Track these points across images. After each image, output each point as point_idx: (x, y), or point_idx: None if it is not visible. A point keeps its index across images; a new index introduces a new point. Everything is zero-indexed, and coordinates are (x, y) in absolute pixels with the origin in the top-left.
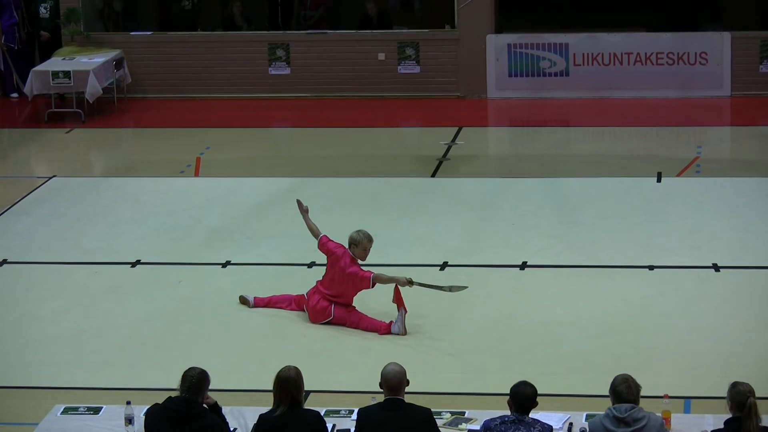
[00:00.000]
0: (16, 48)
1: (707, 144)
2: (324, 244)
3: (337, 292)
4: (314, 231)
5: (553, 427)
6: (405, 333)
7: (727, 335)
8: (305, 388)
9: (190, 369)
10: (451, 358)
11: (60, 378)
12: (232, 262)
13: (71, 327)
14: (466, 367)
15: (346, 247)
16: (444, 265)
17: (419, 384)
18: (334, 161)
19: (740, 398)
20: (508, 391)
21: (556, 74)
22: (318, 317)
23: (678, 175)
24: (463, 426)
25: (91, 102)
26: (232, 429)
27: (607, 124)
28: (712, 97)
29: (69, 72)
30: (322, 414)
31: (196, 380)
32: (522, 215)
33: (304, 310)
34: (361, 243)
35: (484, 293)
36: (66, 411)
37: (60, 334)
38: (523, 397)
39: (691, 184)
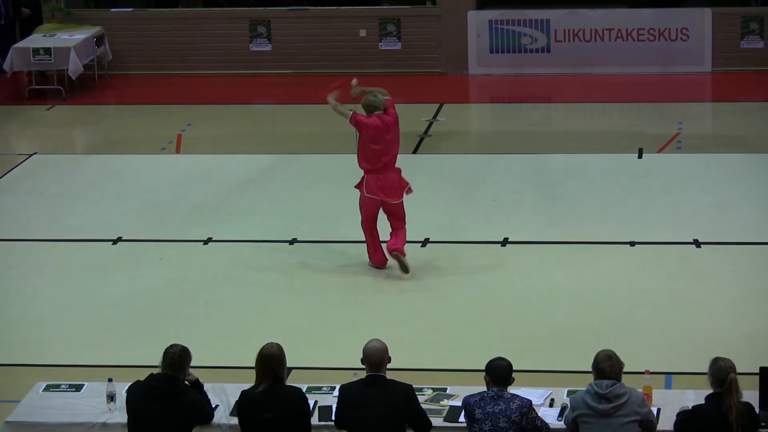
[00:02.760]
0: (2, 23)
1: (688, 120)
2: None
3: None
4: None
5: (534, 402)
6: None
7: (708, 311)
8: (287, 365)
9: (171, 346)
10: (432, 335)
11: (42, 355)
12: (213, 238)
13: (53, 304)
14: (447, 344)
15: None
16: (425, 242)
17: (401, 360)
18: (316, 138)
19: (721, 374)
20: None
21: (537, 50)
22: (401, 191)
23: (659, 151)
24: (445, 402)
25: (73, 78)
26: (213, 406)
27: (589, 101)
28: (694, 73)
29: (50, 49)
30: (304, 390)
31: (177, 357)
32: (503, 191)
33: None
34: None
35: (466, 270)
36: (48, 388)
37: (42, 311)
38: (500, 369)
39: (673, 160)
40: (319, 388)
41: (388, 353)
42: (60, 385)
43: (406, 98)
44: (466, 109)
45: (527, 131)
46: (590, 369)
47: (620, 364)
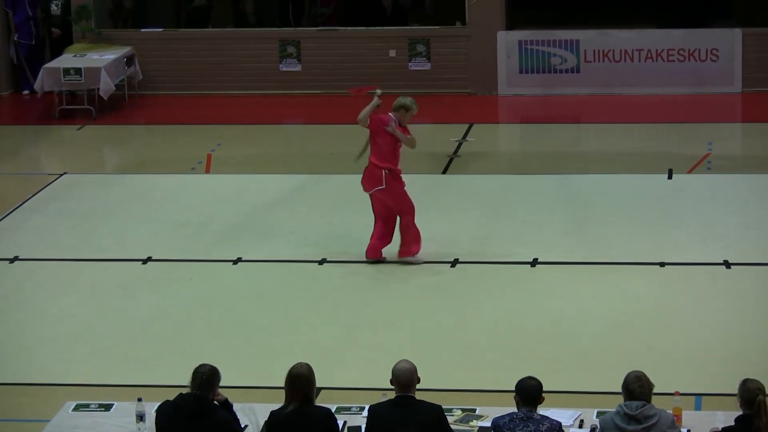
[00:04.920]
0: (32, 44)
1: (718, 141)
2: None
3: (382, 154)
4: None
5: (563, 423)
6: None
7: (738, 332)
8: (317, 385)
9: (200, 366)
10: (462, 355)
11: (71, 375)
12: (243, 258)
13: (82, 324)
14: (477, 364)
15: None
16: (455, 262)
17: (430, 381)
18: (345, 158)
19: (750, 395)
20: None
21: (567, 71)
22: (372, 184)
23: (689, 172)
24: (474, 423)
25: (105, 98)
26: (243, 426)
27: (618, 121)
28: (723, 94)
29: (80, 69)
30: (333, 411)
31: (206, 377)
32: (533, 212)
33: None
34: (411, 109)
35: (495, 290)
36: (77, 408)
37: (71, 330)
38: (530, 389)
39: (702, 180)
40: (348, 409)
41: (417, 374)
42: (89, 404)
43: (435, 118)
44: (496, 129)
45: (557, 152)
46: (620, 390)
47: (650, 385)
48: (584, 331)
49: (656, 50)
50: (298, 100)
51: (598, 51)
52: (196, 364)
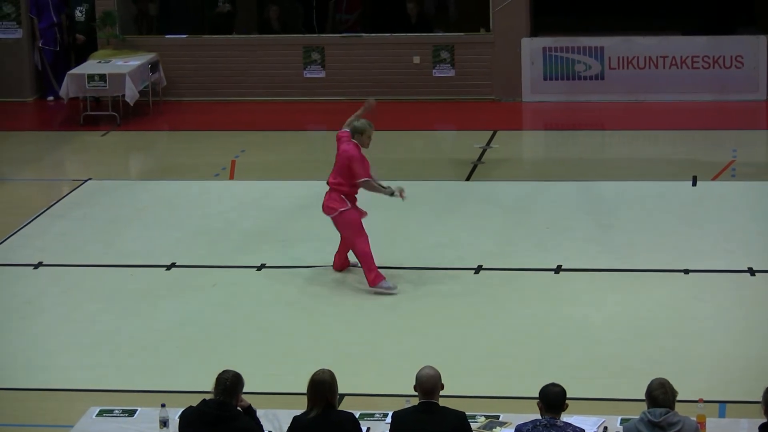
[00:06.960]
0: (57, 50)
1: (742, 147)
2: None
3: (337, 179)
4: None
5: (587, 430)
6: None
7: (763, 339)
8: (339, 392)
9: (224, 372)
10: (485, 362)
11: (95, 380)
12: (267, 264)
13: (106, 329)
14: (500, 371)
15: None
16: (478, 269)
17: (454, 387)
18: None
19: None
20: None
21: (591, 78)
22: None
23: (713, 179)
24: (498, 429)
25: (131, 104)
26: None
27: (642, 128)
28: (748, 101)
29: (104, 75)
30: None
31: (230, 383)
32: (556, 219)
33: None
34: (366, 131)
35: (519, 297)
36: (101, 413)
37: (95, 336)
38: (553, 396)
39: (727, 187)
40: (372, 415)
41: (440, 380)
42: (113, 410)
43: (459, 125)
44: (520, 136)
45: (581, 158)
46: (643, 397)
47: (673, 392)
48: (608, 338)
49: (681, 57)
50: (321, 107)
51: (623, 58)
52: (220, 370)
